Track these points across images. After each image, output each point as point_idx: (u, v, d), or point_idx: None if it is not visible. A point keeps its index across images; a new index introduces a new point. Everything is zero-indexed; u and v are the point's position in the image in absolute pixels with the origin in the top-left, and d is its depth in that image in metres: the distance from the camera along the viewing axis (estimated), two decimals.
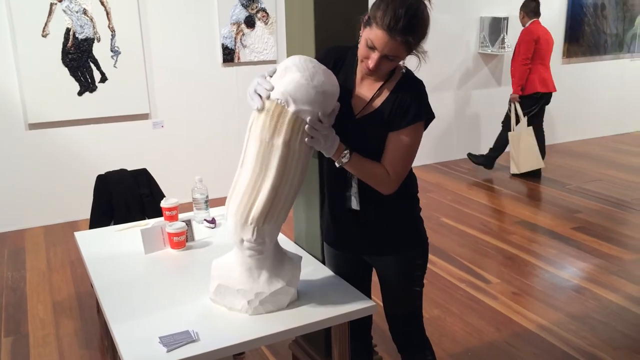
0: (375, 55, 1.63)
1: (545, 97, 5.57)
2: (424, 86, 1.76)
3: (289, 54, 2.29)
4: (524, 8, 5.53)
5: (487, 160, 5.96)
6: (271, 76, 1.68)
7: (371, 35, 1.62)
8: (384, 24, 1.58)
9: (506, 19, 6.05)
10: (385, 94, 1.73)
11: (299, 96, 1.60)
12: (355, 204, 1.82)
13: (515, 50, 5.57)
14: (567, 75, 6.91)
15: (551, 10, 6.64)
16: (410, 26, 1.59)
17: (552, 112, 6.82)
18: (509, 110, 5.65)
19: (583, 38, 6.92)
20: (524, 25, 5.50)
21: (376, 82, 1.76)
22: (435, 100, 6.50)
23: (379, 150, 1.75)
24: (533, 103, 5.55)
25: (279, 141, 1.62)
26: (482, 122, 6.58)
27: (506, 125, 5.75)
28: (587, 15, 6.85)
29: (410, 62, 1.77)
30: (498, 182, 5.70)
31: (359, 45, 1.69)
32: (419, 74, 1.79)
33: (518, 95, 5.50)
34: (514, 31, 5.97)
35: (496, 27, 6.16)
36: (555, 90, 5.55)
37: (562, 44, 6.82)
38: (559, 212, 4.83)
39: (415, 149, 1.75)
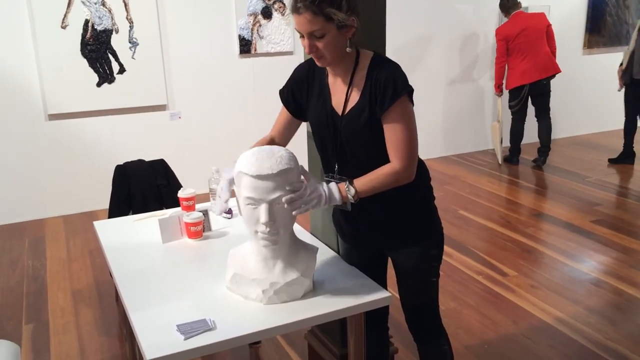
0: (305, 41, 1.68)
1: (532, 88, 5.54)
2: (395, 63, 1.76)
3: None
4: (500, 7, 5.68)
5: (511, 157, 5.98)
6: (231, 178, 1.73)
7: (295, 25, 1.69)
8: (291, 9, 1.67)
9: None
10: (360, 84, 1.74)
11: (261, 191, 1.63)
12: (346, 206, 1.82)
13: None
14: (587, 66, 6.81)
15: (572, 0, 6.54)
16: None
17: (571, 103, 6.74)
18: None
19: (604, 28, 6.80)
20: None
21: (346, 77, 1.77)
22: (452, 92, 6.52)
23: (376, 142, 1.74)
24: (516, 96, 5.64)
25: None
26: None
27: (515, 115, 5.79)
28: (608, 5, 6.73)
29: (405, 57, 1.76)
30: (516, 174, 5.65)
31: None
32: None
33: (497, 92, 5.71)
34: None
35: None
36: (540, 77, 5.49)
37: (583, 34, 6.72)
38: (578, 204, 4.77)
39: (411, 126, 1.72)
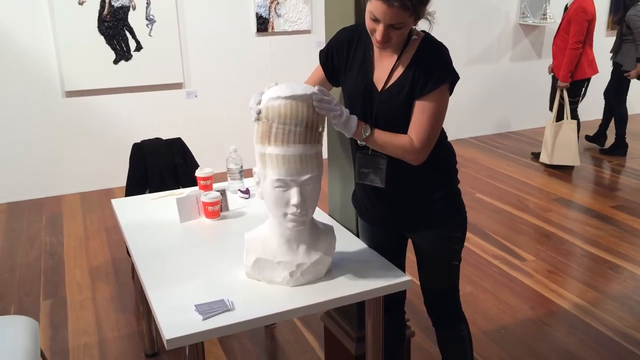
0: (380, 27, 1.61)
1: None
2: (445, 48, 1.72)
3: (327, 24, 2.23)
4: None
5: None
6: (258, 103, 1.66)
7: (372, 8, 1.60)
8: None
9: None
10: (406, 63, 1.70)
11: (297, 118, 1.60)
12: (379, 182, 1.79)
13: (561, 27, 4.96)
14: (610, 48, 6.66)
15: None
16: None
17: (593, 87, 6.61)
18: (561, 97, 5.04)
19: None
20: None
21: (394, 53, 1.72)
22: (472, 73, 6.41)
23: (409, 122, 1.71)
24: (580, 89, 5.06)
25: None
26: (520, 96, 6.41)
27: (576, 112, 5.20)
28: None
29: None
30: (534, 157, 5.56)
31: (366, 20, 1.66)
32: (452, 43, 1.74)
33: (568, 82, 4.91)
34: (557, 1, 5.75)
35: None
36: (597, 71, 5.12)
37: (606, 15, 6.56)
38: (598, 189, 4.70)
39: (441, 114, 1.71)
